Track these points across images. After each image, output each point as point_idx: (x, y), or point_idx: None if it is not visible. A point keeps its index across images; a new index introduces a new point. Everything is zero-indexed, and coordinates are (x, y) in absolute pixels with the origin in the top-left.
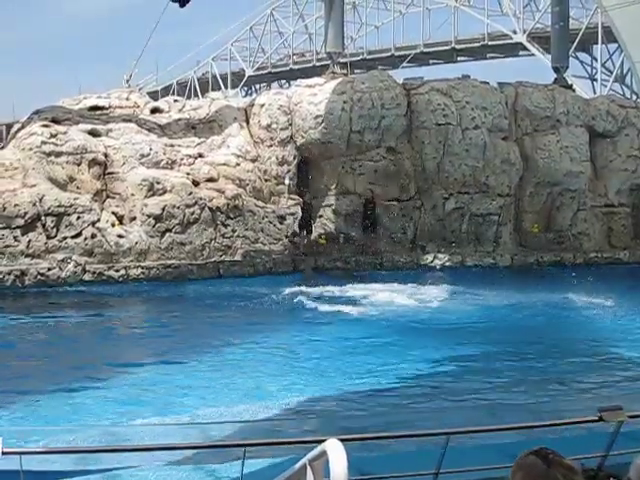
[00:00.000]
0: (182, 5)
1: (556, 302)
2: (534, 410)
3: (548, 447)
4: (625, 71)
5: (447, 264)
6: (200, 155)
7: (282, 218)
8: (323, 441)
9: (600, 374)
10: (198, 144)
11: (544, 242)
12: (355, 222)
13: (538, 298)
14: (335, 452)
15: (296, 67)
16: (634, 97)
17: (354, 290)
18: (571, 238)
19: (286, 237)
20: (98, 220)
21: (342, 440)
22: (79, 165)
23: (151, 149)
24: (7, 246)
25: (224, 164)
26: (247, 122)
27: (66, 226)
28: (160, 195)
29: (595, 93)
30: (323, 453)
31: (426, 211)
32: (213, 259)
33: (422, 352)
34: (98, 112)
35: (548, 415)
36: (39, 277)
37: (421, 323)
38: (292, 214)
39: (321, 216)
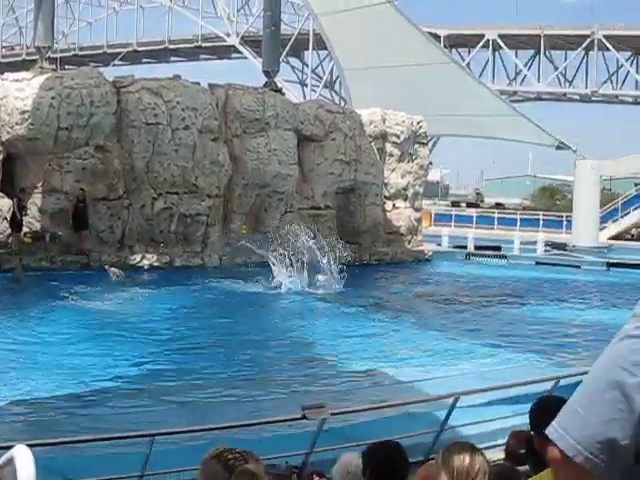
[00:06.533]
0: None
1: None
2: (238, 409)
3: (247, 447)
4: (334, 77)
5: (155, 264)
6: None
7: None
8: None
9: (305, 372)
10: None
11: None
12: (62, 221)
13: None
14: (22, 459)
15: (5, 60)
16: (342, 103)
17: None
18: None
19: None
20: None
21: (31, 445)
22: None
23: None
24: None
25: None
26: None
27: None
28: None
29: (305, 98)
30: (11, 460)
31: (135, 211)
32: None
33: (118, 353)
34: None
35: (252, 414)
36: None
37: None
38: None
39: (27, 214)
